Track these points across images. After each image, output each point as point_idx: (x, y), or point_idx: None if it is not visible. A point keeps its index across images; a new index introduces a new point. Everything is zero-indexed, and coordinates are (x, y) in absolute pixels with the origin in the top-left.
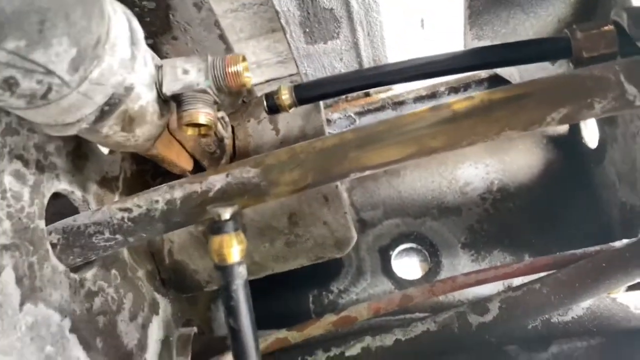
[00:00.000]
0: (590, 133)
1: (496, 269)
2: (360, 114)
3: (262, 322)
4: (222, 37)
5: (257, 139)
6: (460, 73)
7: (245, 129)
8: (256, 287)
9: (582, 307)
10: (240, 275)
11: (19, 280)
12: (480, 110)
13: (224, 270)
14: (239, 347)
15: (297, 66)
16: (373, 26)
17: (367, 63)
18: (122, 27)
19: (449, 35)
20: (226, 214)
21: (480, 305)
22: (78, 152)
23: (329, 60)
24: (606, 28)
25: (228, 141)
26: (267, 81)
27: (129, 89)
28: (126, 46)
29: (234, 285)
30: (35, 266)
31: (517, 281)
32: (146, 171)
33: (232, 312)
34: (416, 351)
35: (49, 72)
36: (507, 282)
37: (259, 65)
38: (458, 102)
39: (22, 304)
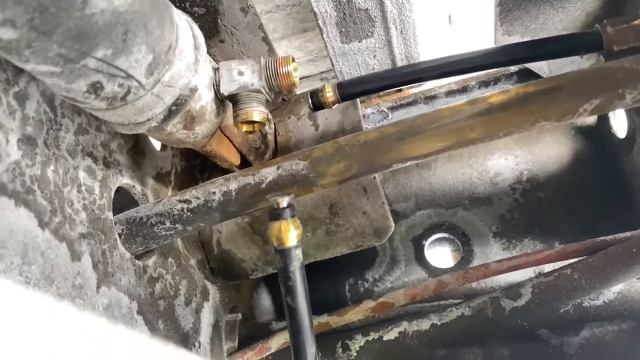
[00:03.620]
0: (619, 123)
1: (527, 256)
2: (392, 108)
3: None
4: (266, 39)
5: (298, 135)
6: (495, 68)
7: (286, 125)
8: None
9: (613, 292)
10: (297, 257)
11: (94, 265)
12: (515, 102)
13: (283, 253)
14: (295, 324)
15: (332, 64)
16: (406, 24)
17: (400, 60)
18: (187, 33)
19: (477, 30)
20: (284, 202)
21: (513, 290)
22: (136, 149)
23: (363, 57)
24: (636, 22)
25: (271, 137)
26: (299, 79)
27: (193, 90)
28: (191, 51)
29: (292, 267)
30: (107, 253)
31: (547, 268)
32: (194, 167)
33: (290, 291)
34: (451, 335)
35: (129, 77)
36: (537, 270)
37: None
38: (494, 95)
39: (98, 286)
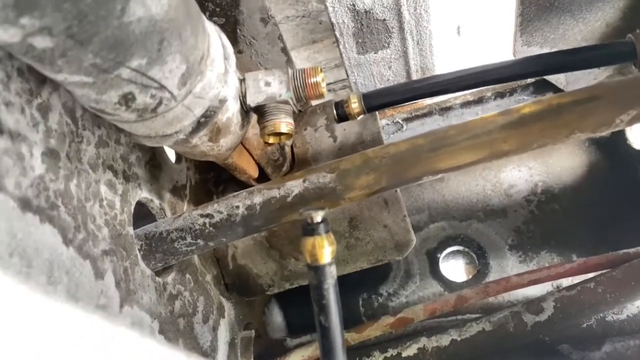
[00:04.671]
0: (635, 134)
1: (548, 269)
2: (407, 119)
3: (314, 325)
4: (284, 50)
5: (315, 146)
6: (523, 79)
7: (303, 137)
8: (308, 292)
9: (637, 306)
10: (331, 275)
11: (117, 284)
12: (549, 113)
13: (317, 270)
14: (328, 344)
15: (347, 75)
16: (422, 35)
17: (415, 71)
18: (217, 43)
19: (485, 42)
20: (318, 216)
21: (534, 304)
22: (154, 162)
23: (378, 68)
24: None
25: (288, 149)
26: None
27: (222, 102)
28: (221, 61)
29: (326, 285)
30: (129, 270)
31: (565, 282)
32: (208, 179)
33: (323, 310)
34: (472, 350)
35: (162, 87)
36: (555, 283)
37: None
38: (527, 106)
39: (121, 305)
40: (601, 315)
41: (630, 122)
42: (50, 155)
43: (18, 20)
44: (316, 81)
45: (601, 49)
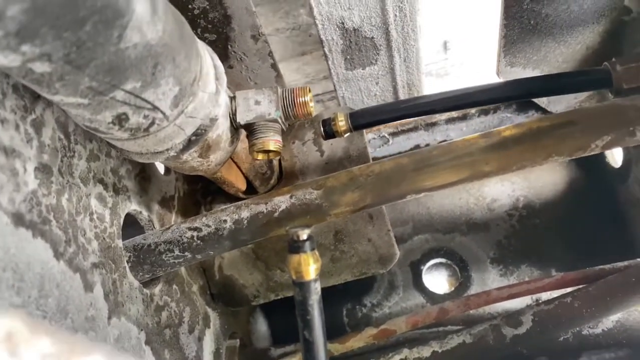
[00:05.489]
0: (615, 153)
1: (528, 283)
2: (393, 134)
3: (297, 335)
4: (274, 66)
5: (303, 160)
6: (506, 102)
7: (291, 151)
8: (293, 302)
9: (611, 320)
10: (316, 291)
11: (106, 296)
12: (529, 137)
13: (302, 287)
14: (311, 357)
15: (335, 89)
16: (409, 52)
17: (401, 87)
18: (209, 64)
19: (472, 57)
20: (304, 234)
21: (513, 318)
22: (143, 174)
23: (366, 84)
24: None
25: (276, 162)
26: None
27: (213, 120)
28: (213, 82)
29: (311, 301)
30: (117, 282)
31: (544, 295)
32: (196, 191)
33: (307, 325)
34: None
35: (155, 108)
36: (535, 297)
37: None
38: (508, 129)
39: (109, 317)
40: (577, 329)
41: (605, 147)
42: (43, 170)
43: (19, 47)
44: (305, 100)
45: (580, 75)
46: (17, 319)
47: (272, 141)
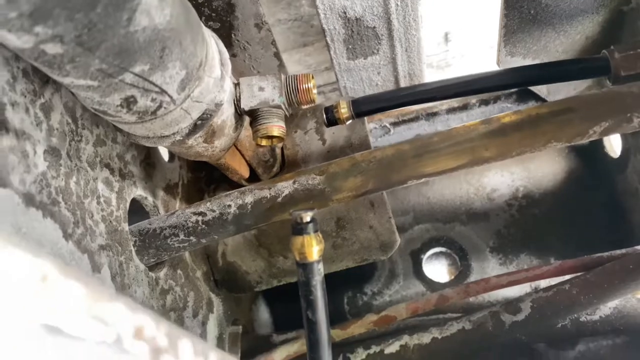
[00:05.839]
0: (613, 143)
1: (527, 271)
2: (394, 124)
3: (300, 322)
4: (277, 55)
5: (305, 149)
6: (506, 90)
7: (293, 139)
8: (294, 289)
9: (609, 307)
10: (319, 272)
11: (113, 277)
12: (528, 123)
13: (305, 268)
14: (314, 337)
15: (337, 79)
16: (411, 42)
17: (403, 77)
18: (214, 50)
19: (473, 49)
20: (307, 216)
21: (512, 305)
22: (148, 160)
23: (367, 74)
24: None
25: (278, 150)
26: None
27: (218, 105)
28: (218, 67)
29: (314, 281)
30: (124, 265)
31: (543, 283)
32: (200, 178)
33: (310, 305)
34: (452, 348)
35: (162, 92)
36: (534, 284)
37: None
38: (507, 115)
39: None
40: (575, 315)
41: (603, 134)
42: (52, 153)
43: (32, 28)
44: (308, 87)
45: (578, 63)
46: (51, 262)
47: (276, 127)
